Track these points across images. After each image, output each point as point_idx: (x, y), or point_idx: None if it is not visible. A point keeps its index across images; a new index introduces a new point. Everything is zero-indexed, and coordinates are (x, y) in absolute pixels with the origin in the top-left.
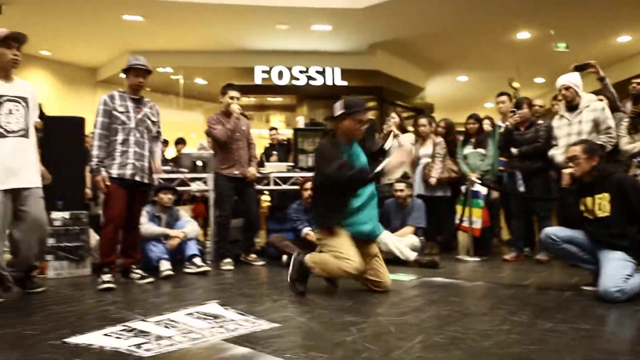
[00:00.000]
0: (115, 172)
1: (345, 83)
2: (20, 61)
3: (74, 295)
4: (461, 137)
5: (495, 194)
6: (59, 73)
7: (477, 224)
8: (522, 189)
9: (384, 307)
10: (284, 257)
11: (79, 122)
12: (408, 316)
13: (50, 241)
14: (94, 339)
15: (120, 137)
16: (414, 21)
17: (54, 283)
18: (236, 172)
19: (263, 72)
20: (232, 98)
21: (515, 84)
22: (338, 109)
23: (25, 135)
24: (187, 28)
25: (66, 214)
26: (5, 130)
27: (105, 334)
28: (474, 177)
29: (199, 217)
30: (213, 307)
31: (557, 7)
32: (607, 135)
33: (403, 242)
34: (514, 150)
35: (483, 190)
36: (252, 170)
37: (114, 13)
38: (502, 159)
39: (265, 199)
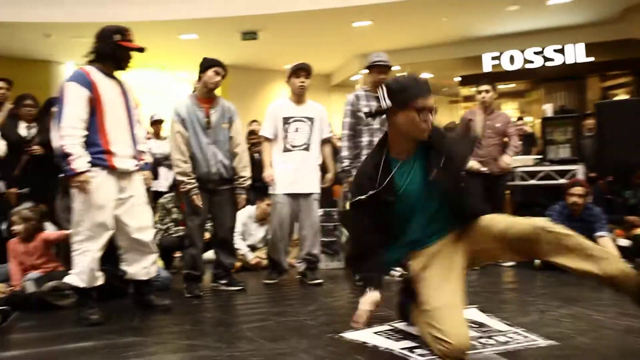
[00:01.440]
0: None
1: (591, 59)
2: (308, 87)
3: (337, 289)
4: None
5: None
6: None
7: None
8: None
9: None
10: (536, 260)
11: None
12: None
13: None
14: (367, 336)
15: (365, 139)
16: None
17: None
18: (483, 168)
19: (492, 58)
20: (479, 92)
21: None
22: (382, 102)
23: (307, 149)
24: (413, 25)
25: (321, 212)
26: (291, 145)
27: (375, 332)
28: None
29: None
30: (474, 313)
31: None
32: None
33: None
34: None
35: None
36: (505, 159)
37: (345, 22)
38: None
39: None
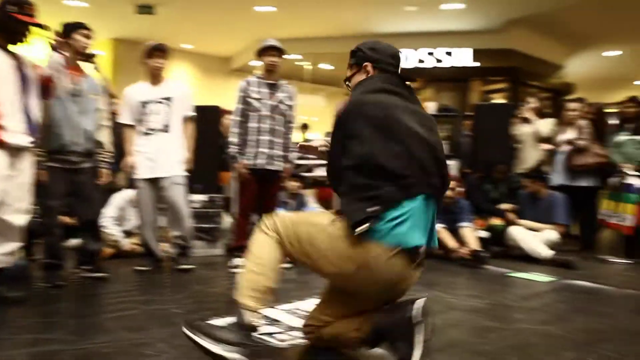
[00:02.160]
0: (247, 161)
1: (477, 64)
2: (164, 68)
3: (211, 276)
4: (612, 122)
5: None
6: (198, 64)
7: (630, 222)
8: None
9: (522, 312)
10: None
11: (214, 110)
12: (552, 326)
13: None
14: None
15: (253, 125)
16: None
17: (191, 261)
18: None
19: None
20: None
21: None
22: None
23: (166, 131)
24: (316, 15)
25: (204, 197)
26: (149, 128)
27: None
28: (628, 167)
29: (324, 200)
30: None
31: None
32: None
33: (538, 237)
34: None
35: (638, 183)
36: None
37: (247, 5)
38: None
39: None
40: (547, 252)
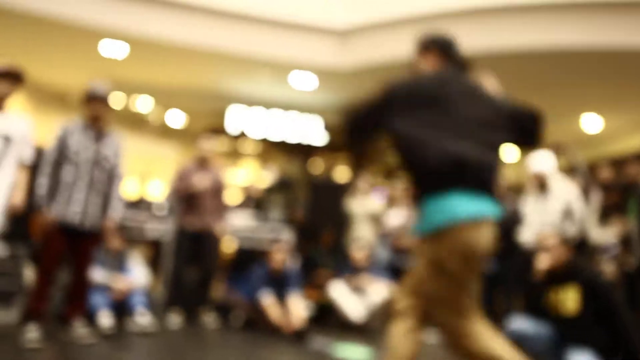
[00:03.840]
0: (58, 213)
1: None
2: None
3: None
4: None
5: None
6: (29, 94)
7: None
8: None
9: None
10: (237, 318)
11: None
12: None
13: None
14: None
15: (68, 175)
16: None
17: None
18: (197, 224)
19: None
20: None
21: None
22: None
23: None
24: (170, 65)
25: (4, 249)
26: None
27: None
28: None
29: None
30: None
31: None
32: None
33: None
34: None
35: None
36: (222, 227)
37: (94, 41)
38: None
39: None
40: (357, 315)
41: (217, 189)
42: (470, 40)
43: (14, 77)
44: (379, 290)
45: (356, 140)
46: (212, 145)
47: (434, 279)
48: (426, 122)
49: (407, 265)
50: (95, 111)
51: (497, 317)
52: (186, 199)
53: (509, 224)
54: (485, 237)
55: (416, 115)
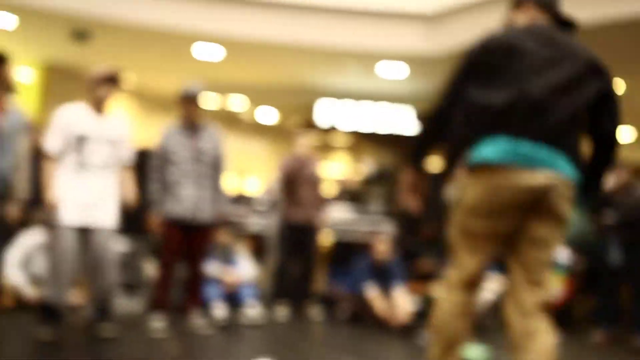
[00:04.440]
0: (171, 210)
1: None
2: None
3: (125, 339)
4: None
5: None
6: (137, 100)
7: (556, 295)
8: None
9: None
10: (343, 311)
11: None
12: None
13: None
14: None
15: (176, 173)
16: None
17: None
18: (300, 217)
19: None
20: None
21: None
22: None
23: (105, 170)
24: (264, 64)
25: (124, 243)
26: (84, 165)
27: None
28: None
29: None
30: None
31: None
32: None
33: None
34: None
35: (565, 256)
36: (322, 220)
37: (191, 47)
38: None
39: None
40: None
41: (315, 183)
42: (576, 11)
43: (112, 81)
44: (490, 285)
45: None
46: (309, 140)
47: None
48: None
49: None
50: (187, 110)
51: (623, 315)
52: (289, 193)
53: (636, 212)
54: (523, 186)
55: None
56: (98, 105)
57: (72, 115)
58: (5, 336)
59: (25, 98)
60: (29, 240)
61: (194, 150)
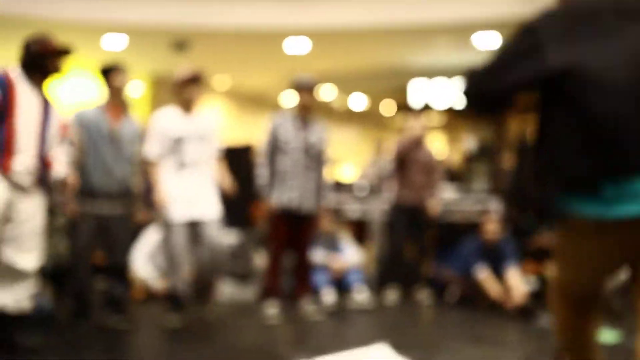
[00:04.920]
0: (279, 201)
1: None
2: (198, 98)
3: (241, 326)
4: None
5: None
6: (232, 99)
7: None
8: None
9: None
10: (452, 294)
11: (244, 150)
12: None
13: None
14: None
15: (284, 164)
16: None
17: (221, 306)
18: (410, 201)
19: (420, 91)
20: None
21: None
22: None
23: (201, 166)
24: (350, 51)
25: (235, 235)
26: (183, 164)
27: None
28: None
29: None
30: (384, 349)
31: None
32: None
33: None
34: None
35: None
36: (435, 206)
37: (279, 41)
38: None
39: None
40: None
41: (428, 165)
42: None
43: (195, 81)
44: None
45: (486, 109)
46: (422, 122)
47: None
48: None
49: None
50: (304, 100)
51: None
52: (400, 174)
53: None
54: None
55: (581, 42)
56: (187, 106)
57: (166, 120)
58: (140, 325)
59: (137, 109)
60: (153, 236)
61: (304, 141)
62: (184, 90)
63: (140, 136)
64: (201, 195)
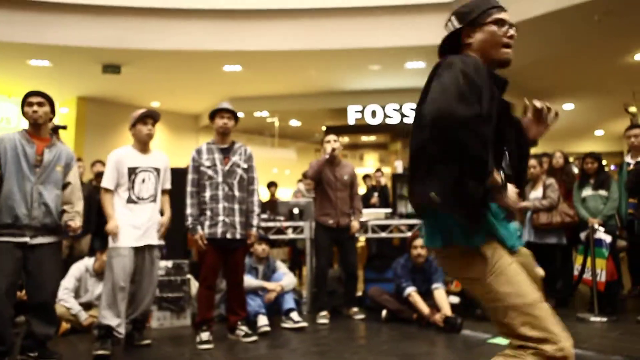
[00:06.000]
0: (206, 231)
1: None
2: (153, 135)
3: (175, 354)
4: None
5: (622, 243)
6: (166, 121)
7: (602, 277)
8: None
9: None
10: (384, 312)
11: (181, 173)
12: None
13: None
14: None
15: (208, 194)
16: (520, 52)
17: (156, 334)
18: (331, 221)
19: (356, 111)
20: (328, 142)
21: (632, 109)
22: (455, 22)
23: (154, 200)
24: (282, 74)
25: (169, 263)
26: (137, 197)
27: None
28: (595, 223)
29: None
30: None
31: None
32: None
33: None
34: None
35: (607, 238)
36: (355, 225)
37: (215, 65)
38: (632, 201)
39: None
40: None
41: (346, 183)
42: None
43: (156, 119)
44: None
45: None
46: (336, 141)
47: None
48: None
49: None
50: (221, 125)
51: None
52: (319, 194)
53: None
54: None
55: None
56: (142, 143)
57: (122, 156)
58: (67, 357)
59: (66, 131)
60: (78, 268)
61: (227, 169)
62: (138, 129)
63: (72, 161)
64: (150, 226)
